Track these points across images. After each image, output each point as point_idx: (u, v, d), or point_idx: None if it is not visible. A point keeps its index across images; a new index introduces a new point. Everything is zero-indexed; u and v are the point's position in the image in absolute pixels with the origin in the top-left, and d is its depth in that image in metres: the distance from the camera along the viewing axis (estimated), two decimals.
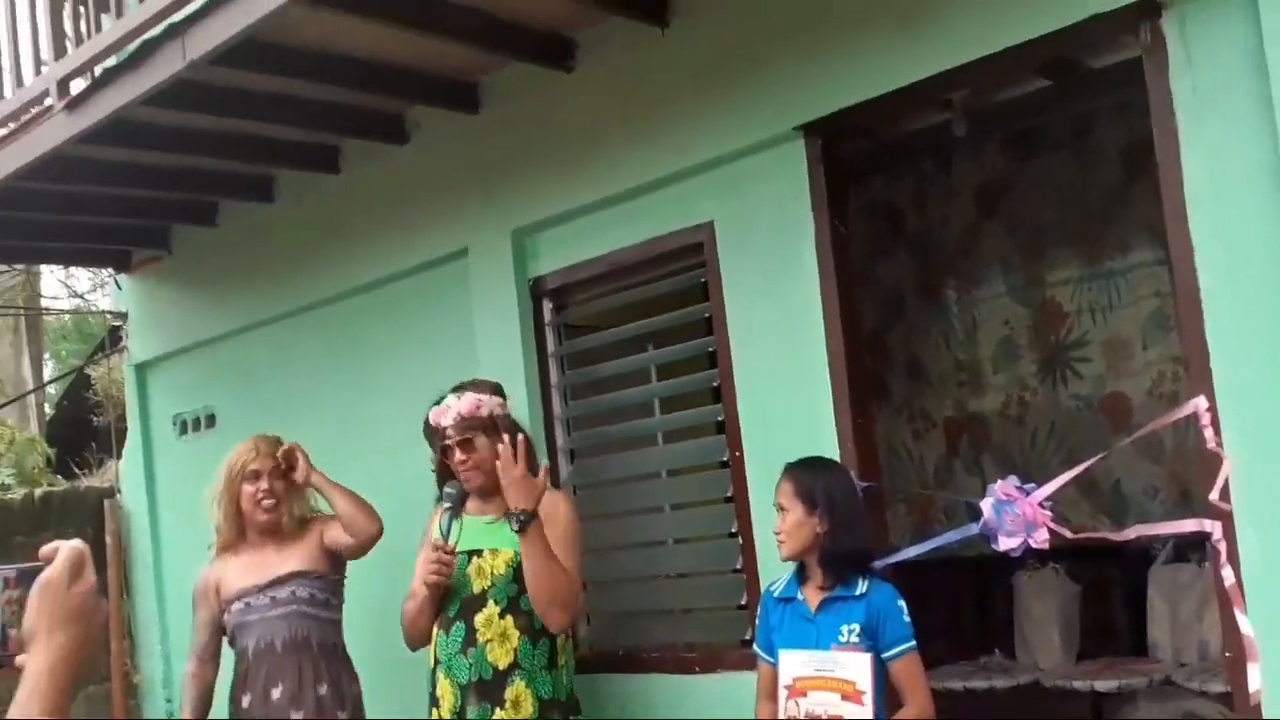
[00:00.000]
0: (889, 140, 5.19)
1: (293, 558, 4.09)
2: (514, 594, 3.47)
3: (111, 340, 7.57)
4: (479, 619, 3.46)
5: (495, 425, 3.56)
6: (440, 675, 3.53)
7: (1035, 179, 5.38)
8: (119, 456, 6.87)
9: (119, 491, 6.60)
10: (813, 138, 3.62)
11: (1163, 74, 2.94)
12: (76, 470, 8.73)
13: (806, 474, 3.13)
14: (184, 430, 6.20)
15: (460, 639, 3.48)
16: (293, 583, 4.06)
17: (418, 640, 3.62)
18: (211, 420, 6.03)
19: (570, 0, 3.75)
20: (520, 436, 3.48)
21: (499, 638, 3.44)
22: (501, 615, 3.46)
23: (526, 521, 3.32)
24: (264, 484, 4.09)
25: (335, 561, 4.16)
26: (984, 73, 3.38)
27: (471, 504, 3.60)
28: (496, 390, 3.72)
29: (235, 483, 4.11)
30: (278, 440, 4.22)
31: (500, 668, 3.42)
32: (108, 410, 8.59)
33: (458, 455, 3.58)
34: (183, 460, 6.18)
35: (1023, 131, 5.35)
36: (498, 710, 3.40)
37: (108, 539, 6.35)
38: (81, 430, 9.34)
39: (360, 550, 4.09)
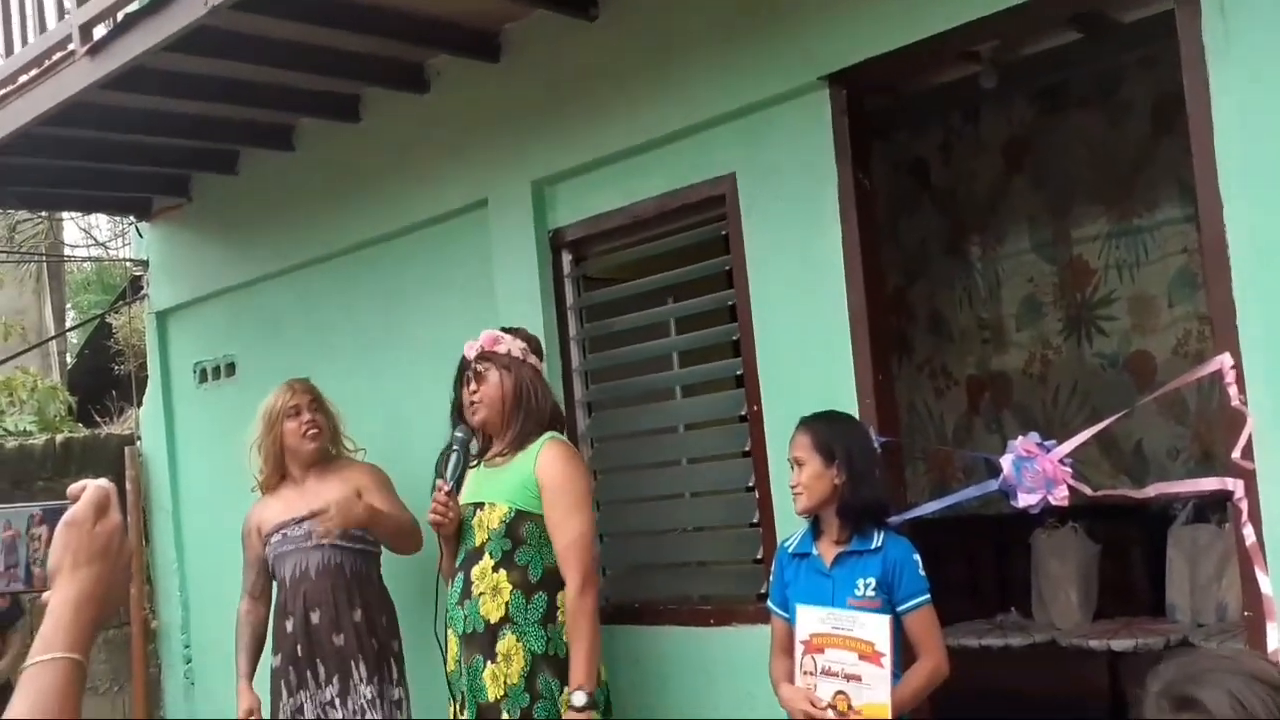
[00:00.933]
0: (915, 94, 5.12)
1: (333, 489, 4.26)
2: (508, 548, 3.45)
3: (132, 289, 7.59)
4: (475, 571, 3.47)
5: (510, 366, 3.54)
6: (448, 624, 3.58)
7: (1063, 134, 5.32)
8: (139, 404, 6.91)
9: (139, 439, 6.64)
10: (837, 88, 3.57)
11: (1195, 23, 2.87)
12: (97, 418, 8.79)
13: (823, 426, 3.12)
14: (204, 379, 6.23)
15: (459, 590, 3.51)
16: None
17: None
18: (231, 369, 6.05)
19: None
20: (530, 386, 3.46)
21: (491, 591, 3.43)
22: (495, 569, 3.45)
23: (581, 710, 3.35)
24: (305, 416, 4.32)
25: None
26: (1012, 23, 3.31)
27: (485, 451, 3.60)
28: (530, 342, 3.69)
29: (277, 423, 4.32)
30: (307, 380, 4.45)
31: (491, 621, 3.41)
32: (128, 359, 8.64)
33: (470, 385, 3.59)
34: (203, 408, 6.21)
35: (1051, 86, 5.28)
36: (489, 664, 3.40)
37: (127, 485, 6.39)
38: (102, 379, 9.39)
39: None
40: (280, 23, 4.12)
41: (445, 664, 3.62)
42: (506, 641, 3.40)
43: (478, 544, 3.49)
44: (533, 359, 3.61)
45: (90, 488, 1.39)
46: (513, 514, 3.42)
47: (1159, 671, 1.42)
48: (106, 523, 1.37)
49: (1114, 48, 4.72)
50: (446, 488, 3.46)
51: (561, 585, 3.42)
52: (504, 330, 3.64)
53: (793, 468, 3.13)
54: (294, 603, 4.23)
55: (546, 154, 4.36)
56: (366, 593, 4.27)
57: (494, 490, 3.48)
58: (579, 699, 3.29)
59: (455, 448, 3.53)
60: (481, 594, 3.44)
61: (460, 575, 3.51)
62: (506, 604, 3.41)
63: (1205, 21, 2.86)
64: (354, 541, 4.25)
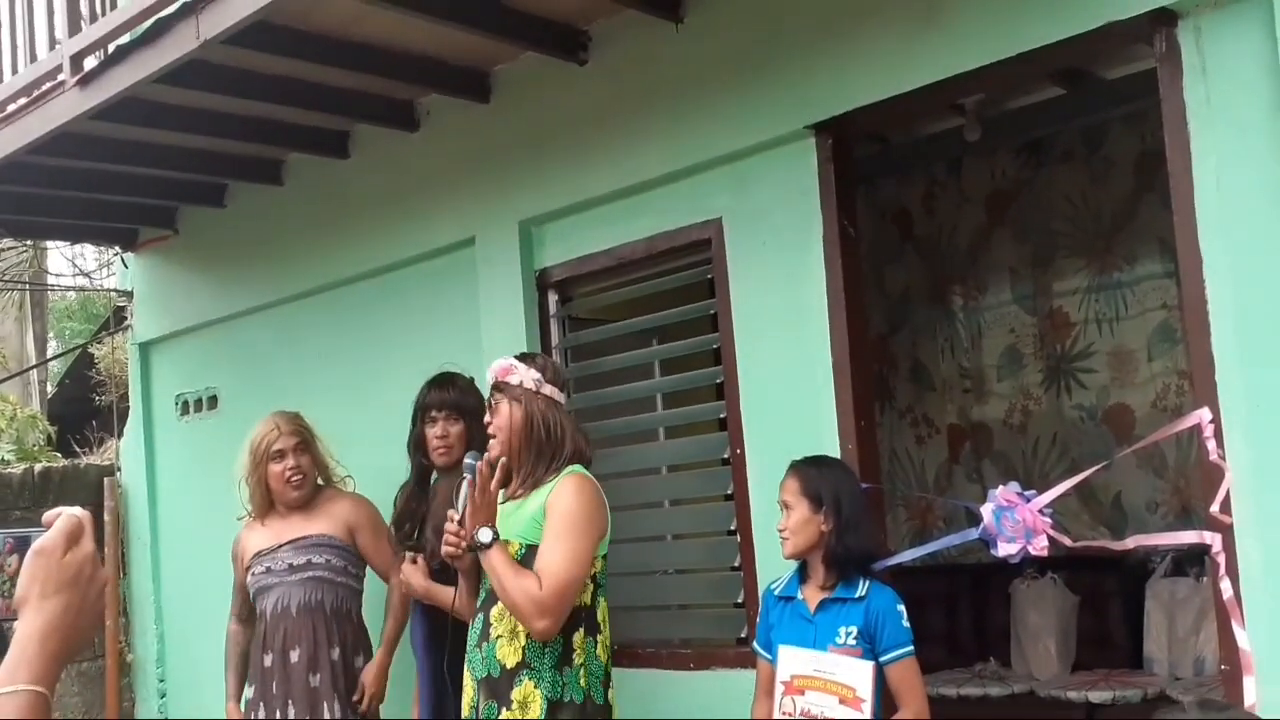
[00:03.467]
0: (900, 144, 5.19)
1: (317, 523, 4.28)
2: None
3: (116, 319, 7.58)
4: (494, 612, 3.26)
5: (521, 398, 3.32)
6: (466, 667, 3.36)
7: (1046, 188, 5.37)
8: (119, 435, 6.88)
9: (119, 470, 6.60)
10: (824, 137, 3.61)
11: (1177, 83, 2.93)
12: (77, 448, 8.73)
13: (813, 471, 3.12)
14: (186, 411, 6.20)
15: (478, 632, 3.30)
16: (312, 549, 4.25)
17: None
18: (214, 401, 6.03)
19: None
20: (542, 418, 3.33)
21: (509, 634, 3.22)
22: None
23: (480, 548, 3.16)
24: (290, 461, 4.28)
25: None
26: (997, 77, 3.36)
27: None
28: (546, 370, 3.43)
29: (261, 463, 4.29)
30: (296, 416, 4.41)
31: (508, 666, 3.20)
32: (110, 389, 8.60)
33: (486, 417, 3.39)
34: (184, 441, 6.18)
35: (1034, 140, 5.34)
36: (504, 710, 3.19)
37: (106, 517, 6.35)
38: (83, 409, 9.34)
39: None
40: (272, 58, 4.15)
41: (460, 708, 3.40)
42: (523, 688, 3.18)
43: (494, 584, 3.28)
44: (548, 389, 3.36)
45: (63, 516, 1.36)
46: (524, 550, 3.21)
47: None
48: (78, 552, 1.34)
49: (1098, 104, 4.79)
50: (458, 517, 3.25)
51: (578, 626, 3.20)
52: (521, 357, 3.43)
53: (781, 510, 3.12)
54: (274, 638, 4.21)
55: (534, 194, 4.38)
56: (345, 630, 4.26)
57: (509, 527, 3.26)
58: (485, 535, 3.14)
59: (467, 475, 3.40)
60: (499, 636, 3.23)
61: (480, 616, 3.30)
62: (524, 648, 3.19)
63: (1187, 81, 2.91)
64: (337, 574, 4.25)
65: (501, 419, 3.31)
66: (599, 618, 3.26)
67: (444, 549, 3.28)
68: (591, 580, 3.23)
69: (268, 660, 4.22)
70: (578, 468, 3.29)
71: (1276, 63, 2.72)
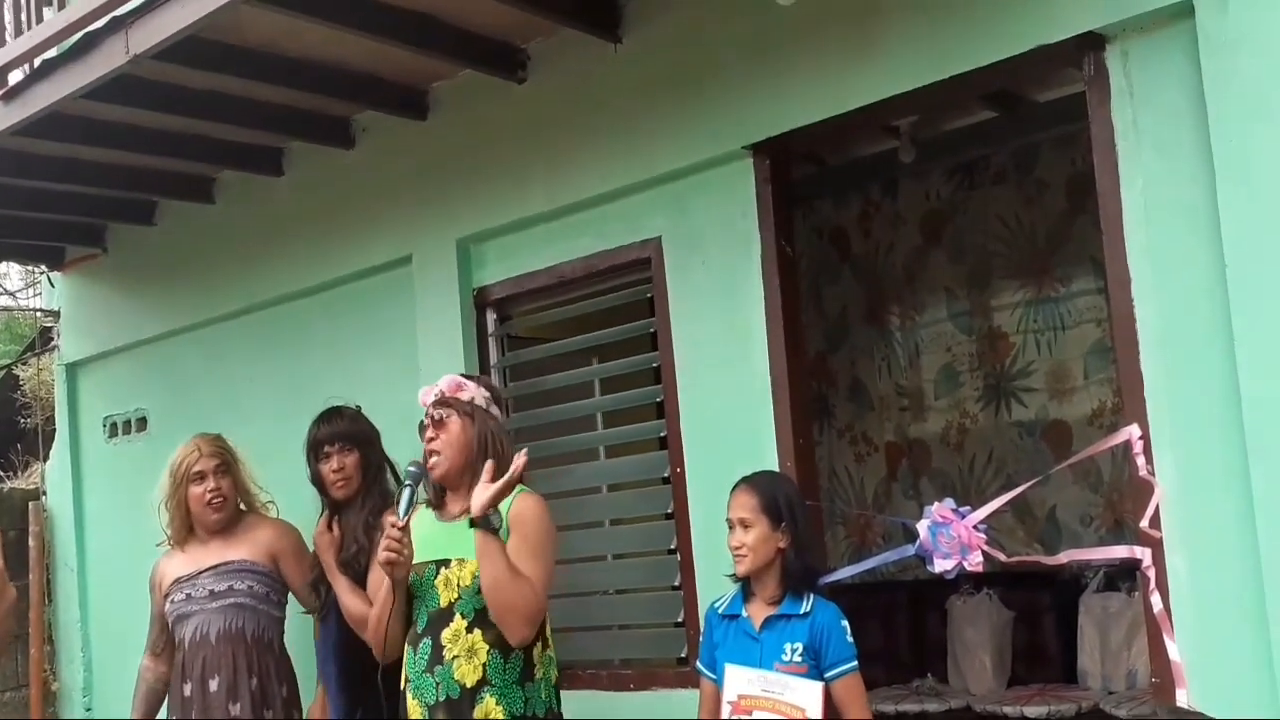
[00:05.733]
0: (837, 166, 5.24)
1: (239, 548, 4.17)
2: (481, 606, 3.18)
3: (42, 340, 7.41)
4: (445, 634, 3.20)
5: (473, 415, 3.30)
6: (409, 695, 3.27)
7: (980, 208, 5.45)
8: (45, 459, 6.72)
9: (44, 494, 6.45)
10: (761, 158, 3.64)
11: (1104, 105, 2.98)
12: (1, 473, 8.51)
13: (770, 486, 3.10)
14: (114, 433, 6.08)
15: (426, 656, 3.23)
16: (233, 575, 4.13)
17: (392, 647, 3.30)
18: (143, 423, 5.91)
19: (524, 12, 3.72)
20: (494, 439, 3.28)
21: (466, 653, 3.18)
22: (469, 629, 3.19)
23: (486, 525, 3.09)
24: (210, 484, 4.16)
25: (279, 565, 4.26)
26: (930, 100, 3.41)
27: (438, 503, 3.37)
28: (493, 391, 3.43)
29: (181, 486, 4.17)
30: (218, 438, 4.29)
31: (468, 685, 3.15)
32: (35, 412, 8.38)
33: (428, 433, 3.32)
34: (112, 464, 6.05)
35: (968, 162, 5.42)
36: None
37: (30, 541, 6.20)
38: (7, 432, 9.08)
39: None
40: (203, 74, 4.09)
41: None
42: (485, 705, 3.14)
43: (444, 605, 3.22)
44: (495, 409, 3.36)
45: None
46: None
47: None
48: None
49: (1030, 126, 4.87)
50: (400, 523, 3.17)
51: (538, 641, 3.20)
52: (466, 376, 3.41)
53: (732, 528, 3.09)
54: (193, 667, 4.08)
55: (473, 212, 4.36)
56: (266, 660, 4.12)
57: (463, 546, 3.19)
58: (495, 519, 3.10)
59: (409, 483, 3.27)
60: (455, 657, 3.17)
61: (426, 640, 3.23)
62: (484, 665, 3.16)
63: (1114, 104, 2.97)
64: (259, 600, 4.14)
65: (452, 434, 3.27)
66: (547, 634, 3.28)
67: (383, 555, 3.20)
68: None
69: (187, 689, 4.08)
70: (525, 488, 3.28)
71: (1201, 87, 2.78)
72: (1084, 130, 3.10)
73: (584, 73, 4.01)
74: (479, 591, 3.17)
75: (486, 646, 3.17)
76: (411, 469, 3.30)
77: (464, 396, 3.30)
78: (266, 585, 4.16)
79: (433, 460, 3.28)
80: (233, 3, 3.42)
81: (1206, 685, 2.84)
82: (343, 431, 3.98)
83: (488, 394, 3.35)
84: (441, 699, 3.17)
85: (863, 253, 5.82)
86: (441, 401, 3.31)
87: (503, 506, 3.18)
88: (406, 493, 3.22)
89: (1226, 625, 2.81)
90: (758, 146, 3.62)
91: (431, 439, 3.29)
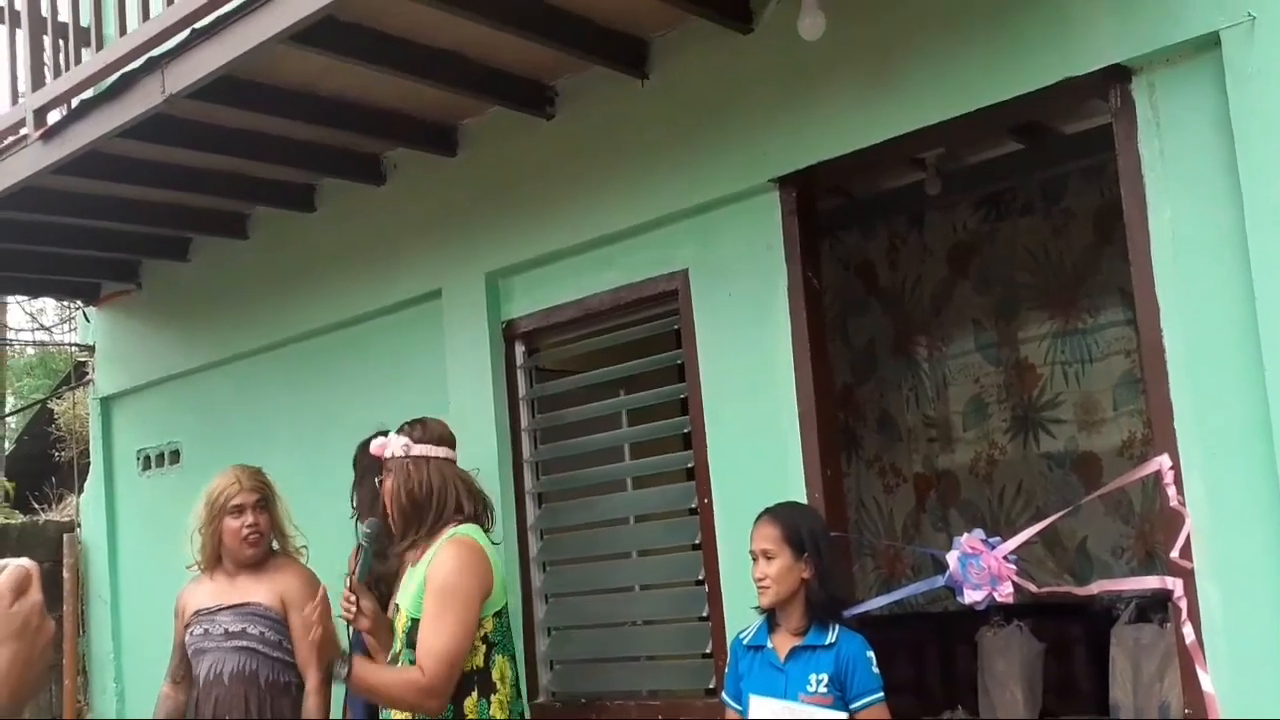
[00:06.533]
0: (863, 198, 5.26)
1: (258, 589, 4.08)
2: (412, 659, 3.24)
3: (77, 374, 7.51)
4: None
5: (393, 469, 3.38)
6: None
7: (1007, 240, 5.46)
8: (80, 491, 6.79)
9: (79, 526, 6.51)
10: (788, 190, 3.66)
11: (1132, 137, 2.99)
12: (36, 505, 8.60)
13: (793, 517, 3.12)
14: (148, 465, 6.14)
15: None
16: (248, 618, 4.06)
17: None
18: (176, 456, 5.97)
19: (552, 49, 3.77)
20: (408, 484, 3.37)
21: None
22: None
23: (337, 678, 3.26)
24: (249, 518, 4.08)
25: None
26: (956, 132, 3.43)
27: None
28: (414, 431, 3.46)
29: (218, 517, 4.09)
30: (258, 471, 4.22)
31: None
32: (70, 445, 8.48)
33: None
34: (145, 496, 6.11)
35: (995, 193, 5.43)
36: None
37: (65, 574, 6.25)
38: (42, 465, 9.20)
39: None
40: (237, 112, 4.16)
41: None
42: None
43: (397, 650, 3.34)
44: (420, 449, 3.39)
45: (10, 567, 1.35)
46: (410, 623, 3.26)
47: None
48: (24, 602, 1.33)
49: (1057, 158, 4.88)
50: (352, 583, 3.32)
51: (469, 691, 3.21)
52: (401, 427, 3.49)
53: (756, 560, 3.10)
54: (205, 705, 4.00)
55: (501, 247, 4.40)
56: (280, 705, 4.01)
57: (404, 594, 3.34)
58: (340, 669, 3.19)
59: (363, 543, 3.41)
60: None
61: None
62: (411, 717, 3.23)
63: (1141, 136, 2.98)
64: (271, 648, 4.04)
65: (385, 495, 3.40)
66: (495, 677, 3.26)
67: (343, 614, 3.33)
68: (483, 641, 3.25)
69: None
70: (460, 529, 3.30)
71: (1228, 117, 2.79)
72: (1111, 161, 3.11)
73: (611, 109, 4.05)
74: (408, 643, 3.25)
75: None
76: (366, 530, 3.42)
77: (386, 455, 3.42)
78: (279, 633, 4.05)
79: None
80: (266, 44, 3.48)
81: (1240, 715, 2.81)
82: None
83: (406, 440, 3.41)
84: None
85: (890, 285, 5.83)
86: (381, 466, 3.45)
87: (430, 554, 3.26)
88: (362, 553, 3.37)
89: (1260, 655, 2.79)
90: (784, 179, 3.65)
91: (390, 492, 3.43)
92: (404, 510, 3.33)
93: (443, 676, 3.14)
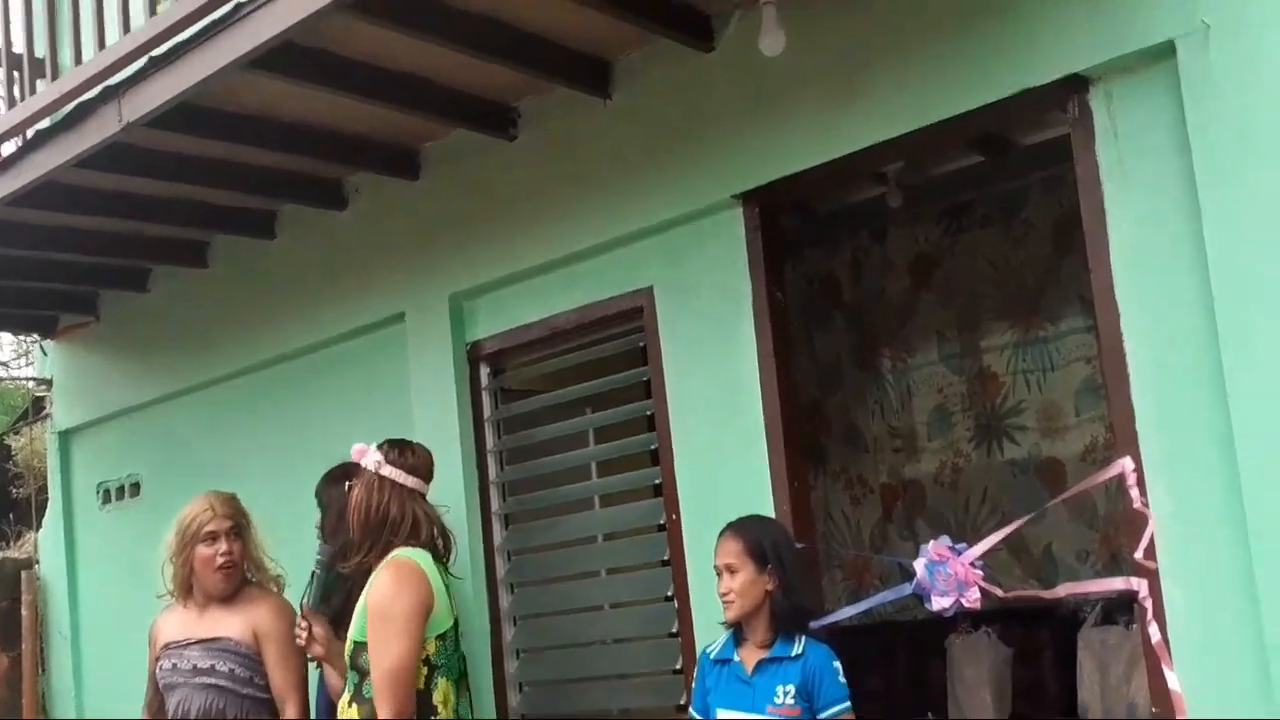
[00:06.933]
0: (826, 213, 5.31)
1: (229, 623, 3.99)
2: (356, 681, 3.29)
3: (35, 409, 7.41)
4: (340, 705, 3.36)
5: (362, 480, 3.43)
6: None
7: (968, 252, 5.52)
8: (38, 527, 6.70)
9: (37, 563, 6.41)
10: (751, 206, 3.69)
11: (1089, 147, 3.04)
12: None
13: (754, 530, 3.14)
14: (107, 499, 6.07)
15: None
16: (218, 654, 3.96)
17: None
18: (136, 489, 5.90)
19: (514, 71, 3.79)
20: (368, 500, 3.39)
21: None
22: (350, 703, 3.33)
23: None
24: (222, 546, 3.98)
25: None
26: (918, 145, 3.47)
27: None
28: (391, 454, 3.51)
29: (190, 544, 3.99)
30: (233, 498, 4.13)
31: None
32: (28, 481, 8.36)
33: None
34: (105, 530, 6.03)
35: (956, 206, 5.50)
36: None
37: (24, 611, 6.16)
38: (0, 502, 9.07)
39: None
40: (196, 140, 4.14)
41: None
42: None
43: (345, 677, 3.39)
44: (389, 470, 3.42)
45: None
46: (353, 646, 3.28)
47: None
48: None
49: (1016, 169, 4.95)
50: (305, 611, 3.43)
51: (411, 717, 3.22)
52: (382, 443, 3.52)
53: (720, 575, 3.12)
54: None
55: (465, 268, 4.40)
56: None
57: (352, 621, 3.37)
58: None
59: (316, 570, 3.49)
60: None
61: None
62: None
63: (1099, 145, 3.02)
64: (241, 684, 3.93)
65: (349, 502, 3.45)
66: (436, 699, 3.27)
67: (297, 640, 3.48)
68: (424, 663, 3.26)
69: None
70: (400, 552, 3.32)
71: (1184, 125, 2.84)
72: (1069, 172, 3.16)
73: (574, 128, 4.07)
74: (352, 667, 3.30)
75: None
76: (319, 557, 3.54)
77: (363, 462, 3.46)
78: (249, 669, 3.95)
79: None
80: (224, 70, 3.47)
81: (1206, 715, 2.85)
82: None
83: (379, 457, 3.45)
84: None
85: (853, 298, 5.88)
86: (356, 470, 3.49)
87: (372, 579, 3.29)
88: (314, 579, 3.51)
89: (1225, 654, 2.82)
90: (747, 195, 3.67)
91: None
92: (359, 524, 3.38)
93: (400, 697, 3.16)
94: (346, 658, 3.30)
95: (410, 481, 3.44)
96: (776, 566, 3.06)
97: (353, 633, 3.28)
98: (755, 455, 3.66)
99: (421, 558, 3.31)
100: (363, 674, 3.25)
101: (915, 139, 3.34)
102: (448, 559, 3.47)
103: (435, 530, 3.42)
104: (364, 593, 3.31)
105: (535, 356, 4.41)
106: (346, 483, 3.53)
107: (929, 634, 5.29)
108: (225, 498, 4.11)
